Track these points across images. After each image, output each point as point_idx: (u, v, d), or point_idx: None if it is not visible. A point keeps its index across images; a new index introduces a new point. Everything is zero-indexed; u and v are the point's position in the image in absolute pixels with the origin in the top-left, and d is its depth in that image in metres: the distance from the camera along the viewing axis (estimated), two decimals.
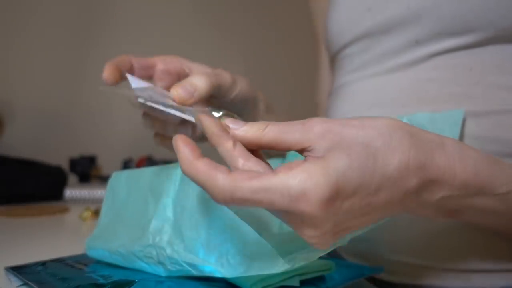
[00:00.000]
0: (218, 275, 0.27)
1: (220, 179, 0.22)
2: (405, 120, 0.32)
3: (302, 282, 0.29)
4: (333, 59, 0.50)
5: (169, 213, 0.32)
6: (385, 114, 0.38)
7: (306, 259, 0.27)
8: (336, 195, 0.22)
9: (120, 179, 0.39)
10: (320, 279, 0.31)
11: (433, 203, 0.27)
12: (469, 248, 0.36)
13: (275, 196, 0.22)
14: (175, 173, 0.33)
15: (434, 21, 0.37)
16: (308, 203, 0.22)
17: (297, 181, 0.22)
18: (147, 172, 0.36)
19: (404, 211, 0.27)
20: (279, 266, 0.25)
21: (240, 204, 0.22)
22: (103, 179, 1.06)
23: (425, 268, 0.38)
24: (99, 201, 0.83)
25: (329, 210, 0.22)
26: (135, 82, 0.35)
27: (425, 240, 0.38)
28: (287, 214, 0.23)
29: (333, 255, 0.47)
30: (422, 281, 0.38)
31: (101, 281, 0.31)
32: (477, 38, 0.36)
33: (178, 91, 0.34)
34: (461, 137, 0.35)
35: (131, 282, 0.30)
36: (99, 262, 0.37)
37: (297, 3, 1.58)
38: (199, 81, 0.35)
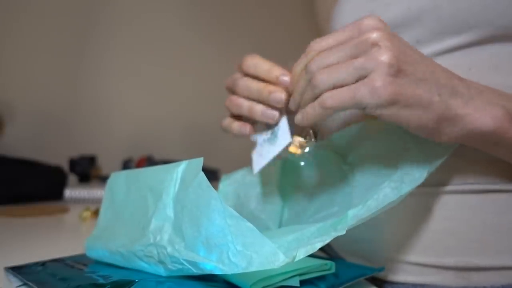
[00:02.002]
0: (219, 272, 0.27)
1: None
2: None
3: (302, 282, 0.29)
4: None
5: (170, 212, 0.32)
6: None
7: (306, 252, 0.27)
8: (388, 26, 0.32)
9: (119, 180, 0.39)
10: (320, 279, 0.31)
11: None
12: (469, 246, 0.36)
13: (346, 27, 0.32)
14: (176, 172, 0.32)
15: (434, 21, 0.38)
16: (368, 16, 0.32)
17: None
18: (146, 172, 0.36)
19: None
20: (280, 261, 0.25)
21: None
22: (103, 179, 1.06)
23: (426, 267, 0.38)
24: (99, 201, 0.82)
25: (386, 25, 0.31)
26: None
27: (425, 239, 0.38)
28: (356, 39, 0.31)
29: (333, 255, 0.47)
30: (422, 280, 0.38)
31: (101, 281, 0.31)
32: (476, 37, 0.36)
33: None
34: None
35: (131, 282, 0.30)
36: (99, 262, 0.37)
37: (303, 4, 1.58)
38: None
